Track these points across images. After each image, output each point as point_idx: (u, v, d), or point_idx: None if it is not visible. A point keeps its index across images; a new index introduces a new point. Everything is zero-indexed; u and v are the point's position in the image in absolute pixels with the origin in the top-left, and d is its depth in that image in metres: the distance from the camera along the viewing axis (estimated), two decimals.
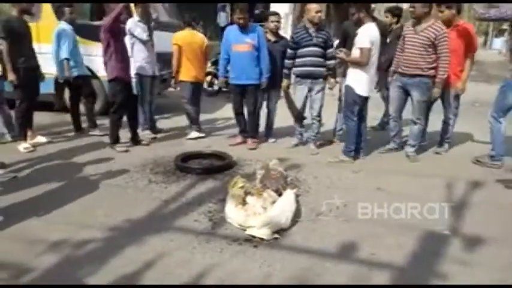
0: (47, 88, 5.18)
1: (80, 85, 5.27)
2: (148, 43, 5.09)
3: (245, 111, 5.04)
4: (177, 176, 3.98)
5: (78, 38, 5.25)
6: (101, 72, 5.84)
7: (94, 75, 6.07)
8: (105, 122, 5.95)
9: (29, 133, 4.87)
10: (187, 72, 5.18)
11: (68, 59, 4.99)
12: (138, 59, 5.09)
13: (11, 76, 4.43)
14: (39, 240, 2.73)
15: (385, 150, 4.85)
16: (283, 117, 5.47)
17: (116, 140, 4.79)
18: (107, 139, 5.00)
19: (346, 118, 4.40)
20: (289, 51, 4.69)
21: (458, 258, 2.64)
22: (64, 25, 5.06)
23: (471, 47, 4.47)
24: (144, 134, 5.24)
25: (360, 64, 4.09)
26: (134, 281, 2.36)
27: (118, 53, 4.55)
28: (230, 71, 4.87)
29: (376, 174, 4.07)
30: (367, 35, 4.04)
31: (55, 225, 2.94)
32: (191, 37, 5.18)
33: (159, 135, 5.41)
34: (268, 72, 4.74)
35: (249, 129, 5.06)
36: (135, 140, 4.95)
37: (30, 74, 4.64)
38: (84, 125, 5.51)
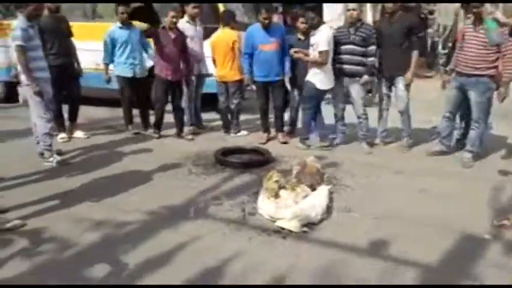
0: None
1: (136, 85, 5.25)
2: (194, 41, 5.27)
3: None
4: (217, 168, 4.11)
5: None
6: None
7: None
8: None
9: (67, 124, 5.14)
10: (216, 72, 5.29)
11: (106, 64, 5.13)
12: None
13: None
14: (85, 218, 2.98)
15: (431, 152, 4.62)
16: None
17: (155, 128, 5.23)
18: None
19: (304, 110, 4.75)
20: None
21: (496, 262, 2.50)
22: (114, 27, 5.08)
23: None
24: (189, 129, 5.43)
25: (321, 64, 4.41)
26: (163, 261, 2.50)
27: (158, 52, 4.97)
28: (256, 69, 4.93)
29: (420, 175, 3.92)
30: (325, 39, 4.36)
31: (101, 207, 3.20)
32: (219, 37, 5.17)
33: (203, 131, 5.58)
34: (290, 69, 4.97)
35: (276, 124, 5.15)
36: (179, 135, 5.18)
37: (59, 71, 4.65)
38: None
